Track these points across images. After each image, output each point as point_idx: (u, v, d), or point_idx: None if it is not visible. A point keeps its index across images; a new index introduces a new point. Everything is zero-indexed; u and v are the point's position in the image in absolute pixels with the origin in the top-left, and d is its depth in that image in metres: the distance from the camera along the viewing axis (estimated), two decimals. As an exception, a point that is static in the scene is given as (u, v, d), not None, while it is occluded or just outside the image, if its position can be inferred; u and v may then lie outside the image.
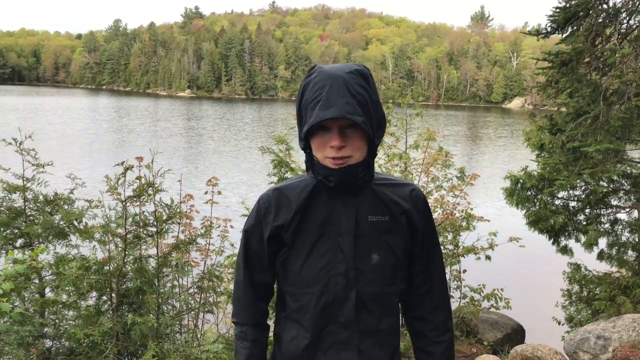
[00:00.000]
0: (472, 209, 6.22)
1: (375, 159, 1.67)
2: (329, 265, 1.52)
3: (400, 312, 1.68)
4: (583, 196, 6.98)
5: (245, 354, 1.67)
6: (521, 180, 7.00)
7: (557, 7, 6.13)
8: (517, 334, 6.37)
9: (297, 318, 1.58)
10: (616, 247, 6.86)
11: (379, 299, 1.56)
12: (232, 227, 5.09)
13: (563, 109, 6.79)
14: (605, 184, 6.79)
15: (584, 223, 6.91)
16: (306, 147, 1.54)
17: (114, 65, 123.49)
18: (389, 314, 1.60)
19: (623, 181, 6.89)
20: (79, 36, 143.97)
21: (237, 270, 1.71)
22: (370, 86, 1.50)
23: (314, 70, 1.51)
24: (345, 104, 1.41)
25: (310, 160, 1.55)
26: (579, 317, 6.85)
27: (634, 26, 6.11)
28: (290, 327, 1.61)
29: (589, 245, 6.58)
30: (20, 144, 3.99)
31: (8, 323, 3.27)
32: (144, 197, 3.82)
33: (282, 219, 1.56)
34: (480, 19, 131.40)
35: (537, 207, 6.99)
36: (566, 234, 7.01)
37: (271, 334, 1.77)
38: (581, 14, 6.04)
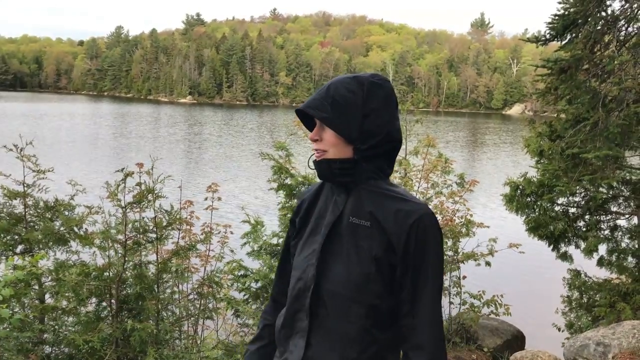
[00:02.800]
0: (471, 215, 6.23)
1: None
2: (310, 255, 1.60)
3: (365, 326, 1.55)
4: (583, 202, 6.99)
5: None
6: (521, 187, 7.01)
7: (555, 15, 6.16)
8: (517, 341, 6.36)
9: (285, 300, 1.69)
10: (616, 254, 6.86)
11: (337, 300, 1.53)
12: (232, 233, 5.10)
13: (562, 116, 6.81)
14: (604, 191, 6.80)
15: (584, 229, 6.92)
16: None
17: (116, 72, 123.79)
18: (347, 320, 1.53)
19: (622, 187, 6.90)
20: (81, 43, 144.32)
21: None
22: (365, 92, 1.54)
23: None
24: (314, 100, 1.54)
25: None
26: (579, 323, 6.84)
27: (633, 33, 6.14)
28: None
29: (589, 252, 6.58)
30: (21, 150, 4.01)
31: (8, 329, 3.28)
32: (143, 203, 3.83)
33: (298, 207, 1.73)
34: (480, 25, 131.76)
35: (537, 213, 6.99)
36: (566, 240, 7.01)
37: None
38: (580, 21, 6.06)
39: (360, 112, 1.53)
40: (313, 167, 1.65)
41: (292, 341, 1.61)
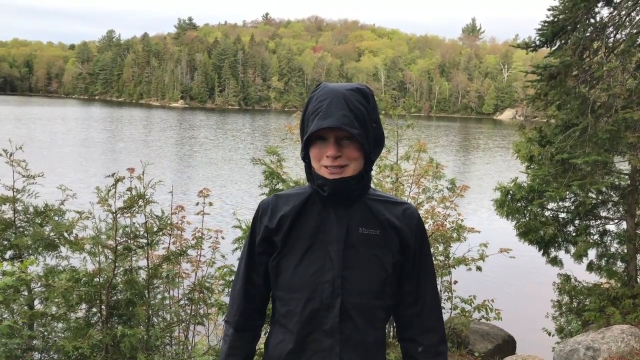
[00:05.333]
0: (462, 220, 6.26)
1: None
2: (318, 272, 1.57)
3: (385, 329, 1.68)
4: (572, 207, 7.04)
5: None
6: (511, 192, 7.06)
7: (545, 21, 6.22)
8: (507, 345, 6.39)
9: (284, 323, 1.62)
10: (605, 258, 6.91)
11: (364, 310, 1.58)
12: (223, 238, 5.09)
13: (552, 121, 6.86)
14: (594, 196, 6.86)
15: (574, 234, 6.97)
16: (306, 157, 1.62)
17: (107, 76, 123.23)
18: (374, 327, 1.60)
19: (611, 193, 6.95)
20: (72, 46, 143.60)
21: (236, 272, 1.76)
22: (370, 105, 1.59)
23: (319, 86, 1.62)
24: (343, 116, 1.50)
25: (309, 170, 1.62)
26: (569, 328, 6.88)
27: (621, 40, 6.21)
28: (277, 332, 1.64)
29: (579, 256, 6.63)
30: (11, 155, 3.98)
31: (-4, 335, 3.25)
32: (134, 208, 3.82)
33: (274, 222, 1.63)
34: (472, 31, 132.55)
35: (527, 218, 7.04)
36: (556, 245, 7.06)
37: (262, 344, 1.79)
38: (569, 27, 6.13)
39: (370, 124, 1.57)
40: (317, 185, 1.58)
41: None
